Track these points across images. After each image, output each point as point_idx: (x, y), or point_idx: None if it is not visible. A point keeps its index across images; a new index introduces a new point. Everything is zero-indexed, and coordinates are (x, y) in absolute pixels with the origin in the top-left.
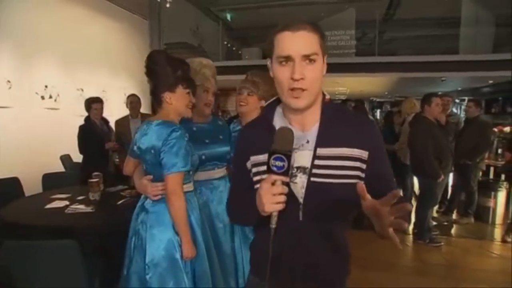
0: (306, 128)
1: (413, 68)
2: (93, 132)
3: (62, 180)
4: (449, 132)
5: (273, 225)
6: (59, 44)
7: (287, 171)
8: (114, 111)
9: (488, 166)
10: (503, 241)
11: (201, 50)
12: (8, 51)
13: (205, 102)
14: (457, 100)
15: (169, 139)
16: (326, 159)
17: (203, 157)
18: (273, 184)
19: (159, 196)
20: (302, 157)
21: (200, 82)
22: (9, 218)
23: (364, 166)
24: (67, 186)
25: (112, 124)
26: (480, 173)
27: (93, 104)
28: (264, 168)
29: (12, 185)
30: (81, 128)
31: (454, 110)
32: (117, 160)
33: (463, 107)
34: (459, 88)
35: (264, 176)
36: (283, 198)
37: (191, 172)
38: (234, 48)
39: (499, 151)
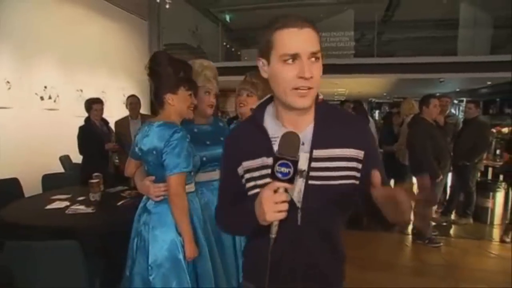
0: (300, 129)
1: (411, 69)
2: (93, 133)
3: (62, 181)
4: (448, 133)
5: (273, 234)
6: (58, 45)
7: (292, 178)
8: (114, 112)
9: (486, 167)
10: (502, 241)
11: (200, 51)
12: (8, 51)
13: (208, 103)
14: (455, 101)
15: (171, 140)
16: (322, 160)
17: (204, 158)
18: (275, 191)
19: (161, 197)
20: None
21: (202, 84)
22: (9, 219)
23: (360, 166)
24: (66, 187)
25: (111, 125)
26: (479, 174)
27: (94, 104)
28: (259, 173)
29: (12, 185)
30: (81, 128)
31: (453, 111)
32: (117, 161)
33: (461, 108)
34: (457, 89)
35: (260, 182)
36: (285, 206)
37: (192, 173)
38: (233, 49)
39: (497, 151)
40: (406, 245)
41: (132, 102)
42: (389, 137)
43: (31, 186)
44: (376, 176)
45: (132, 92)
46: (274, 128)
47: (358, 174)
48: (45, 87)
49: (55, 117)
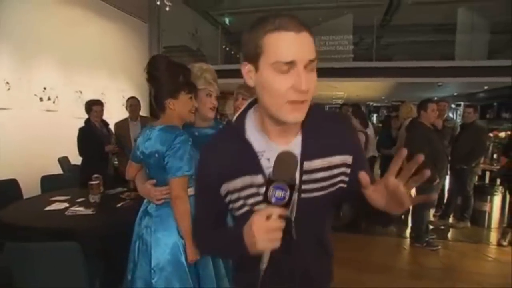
0: (288, 141)
1: (409, 74)
2: (93, 135)
3: (61, 182)
4: (445, 137)
5: (264, 264)
6: (58, 46)
7: (288, 203)
8: (113, 113)
9: (483, 171)
10: (499, 244)
11: (200, 54)
12: (7, 52)
13: (210, 105)
14: (453, 105)
15: (173, 143)
16: (313, 172)
17: None
18: (267, 218)
19: (163, 200)
20: None
21: (203, 86)
22: (8, 220)
23: (348, 170)
24: (65, 188)
25: (111, 127)
26: (476, 178)
27: (94, 106)
28: (248, 192)
29: (11, 187)
30: (81, 130)
31: (450, 115)
32: (116, 162)
33: (459, 112)
34: (455, 94)
35: (250, 201)
36: (280, 234)
37: (193, 176)
38: (232, 52)
39: (495, 156)
40: (404, 248)
41: (132, 104)
42: (387, 140)
43: (30, 188)
44: (364, 177)
45: (132, 94)
46: (259, 141)
47: (346, 178)
48: (45, 88)
49: (54, 118)
